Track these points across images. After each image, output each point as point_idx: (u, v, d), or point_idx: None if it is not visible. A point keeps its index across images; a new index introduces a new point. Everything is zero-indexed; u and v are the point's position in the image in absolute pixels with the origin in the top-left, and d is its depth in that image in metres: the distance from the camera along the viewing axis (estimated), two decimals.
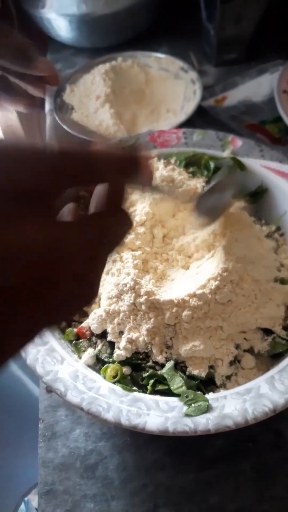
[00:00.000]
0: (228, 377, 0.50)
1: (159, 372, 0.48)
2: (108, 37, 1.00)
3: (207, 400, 0.44)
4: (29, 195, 0.24)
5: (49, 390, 0.58)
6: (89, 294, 0.29)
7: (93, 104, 0.81)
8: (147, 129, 0.79)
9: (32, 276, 0.23)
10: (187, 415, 0.43)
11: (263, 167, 0.60)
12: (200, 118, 0.88)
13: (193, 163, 0.61)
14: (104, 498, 0.51)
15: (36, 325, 0.25)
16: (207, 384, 0.49)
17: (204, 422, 0.42)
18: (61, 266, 0.25)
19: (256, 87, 0.93)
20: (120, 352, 0.50)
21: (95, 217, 0.30)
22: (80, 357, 0.50)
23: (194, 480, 0.51)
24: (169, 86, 0.87)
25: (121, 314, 0.50)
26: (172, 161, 0.61)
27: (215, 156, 0.62)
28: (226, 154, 0.62)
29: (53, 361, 0.47)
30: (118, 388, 0.46)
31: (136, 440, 0.54)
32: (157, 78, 0.88)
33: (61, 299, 0.26)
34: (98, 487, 0.51)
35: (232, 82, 0.94)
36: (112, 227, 0.29)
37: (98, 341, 0.51)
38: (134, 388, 0.48)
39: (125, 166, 0.29)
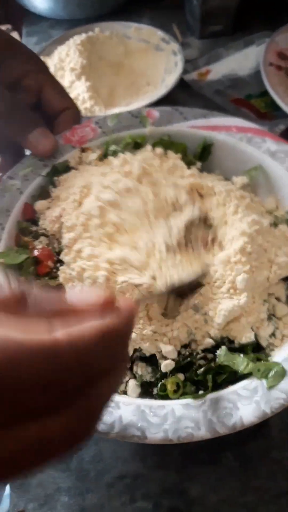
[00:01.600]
0: (272, 335, 0.47)
1: (213, 364, 0.44)
2: (86, 8, 0.95)
3: (278, 363, 0.42)
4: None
5: None
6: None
7: (68, 76, 0.76)
8: (125, 102, 0.75)
9: None
10: (271, 386, 0.40)
11: (191, 127, 0.59)
12: (183, 93, 0.84)
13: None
14: (79, 491, 0.48)
15: None
16: (255, 351, 0.46)
17: None
18: None
19: (241, 60, 0.89)
20: (167, 362, 0.44)
21: None
22: (125, 393, 0.45)
23: (175, 471, 0.49)
24: (149, 58, 0.82)
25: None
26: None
27: (135, 134, 0.59)
28: (148, 129, 0.59)
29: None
30: (189, 400, 0.41)
31: None
32: (137, 50, 0.84)
33: None
34: (72, 479, 0.48)
35: (216, 54, 0.90)
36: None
37: (134, 366, 0.46)
38: (201, 391, 0.43)
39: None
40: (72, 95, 0.75)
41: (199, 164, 0.58)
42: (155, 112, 0.60)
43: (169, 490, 0.48)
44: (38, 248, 0.49)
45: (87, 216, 0.49)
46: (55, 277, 0.48)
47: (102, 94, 0.76)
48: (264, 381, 0.41)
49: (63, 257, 0.48)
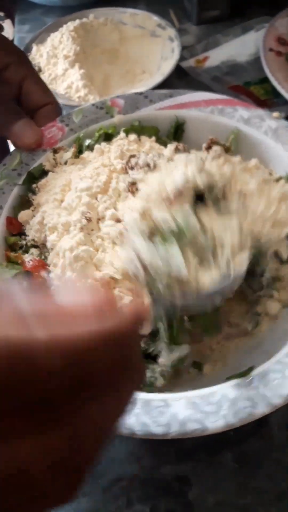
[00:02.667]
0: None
1: None
2: None
3: None
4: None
5: None
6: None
7: (61, 64, 0.74)
8: (121, 91, 0.73)
9: None
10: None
11: (159, 109, 0.58)
12: (180, 80, 0.81)
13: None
14: None
15: None
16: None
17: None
18: None
19: (240, 46, 0.86)
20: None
21: None
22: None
23: (172, 472, 0.47)
24: (145, 45, 0.80)
25: None
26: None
27: (105, 125, 0.57)
28: (116, 119, 0.57)
29: None
30: (237, 380, 0.40)
31: None
32: (132, 36, 0.81)
33: None
34: None
35: (214, 40, 0.87)
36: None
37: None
38: None
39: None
40: (65, 83, 0.73)
41: (174, 143, 0.55)
42: (120, 100, 0.58)
43: (166, 492, 0.46)
44: (28, 260, 0.47)
45: (68, 211, 0.47)
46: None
47: (97, 82, 0.74)
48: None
49: (51, 262, 0.46)
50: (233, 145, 0.55)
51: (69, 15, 0.85)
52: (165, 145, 0.55)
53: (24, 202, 0.52)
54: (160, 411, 0.38)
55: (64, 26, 0.80)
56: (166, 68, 0.74)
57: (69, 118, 0.57)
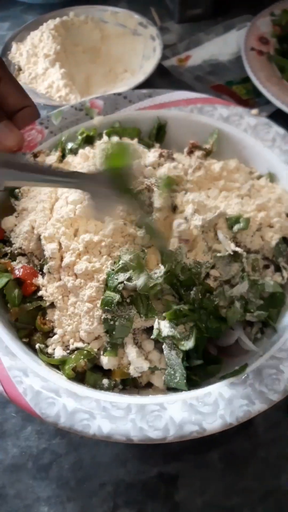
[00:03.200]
0: None
1: None
2: None
3: None
4: None
5: None
6: None
7: (41, 63, 0.73)
8: (102, 90, 0.72)
9: None
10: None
11: (139, 109, 0.58)
12: (162, 80, 0.81)
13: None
14: (59, 500, 0.46)
15: None
16: None
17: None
18: None
19: (222, 45, 0.86)
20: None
21: None
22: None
23: (158, 475, 0.47)
24: (127, 43, 0.79)
25: None
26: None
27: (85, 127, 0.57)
28: (96, 120, 0.57)
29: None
30: (232, 379, 0.40)
31: None
32: (113, 35, 0.80)
33: None
34: (52, 488, 0.46)
35: (196, 39, 0.87)
36: None
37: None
38: None
39: None
40: (46, 82, 0.72)
41: (157, 145, 0.56)
42: (99, 101, 0.58)
43: (152, 495, 0.46)
44: (18, 268, 0.46)
45: (65, 224, 0.46)
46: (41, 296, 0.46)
47: (78, 82, 0.73)
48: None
49: (48, 269, 0.46)
50: (215, 146, 0.55)
51: (49, 13, 0.84)
52: (147, 146, 0.55)
53: (6, 208, 0.51)
54: (156, 415, 0.37)
55: (45, 24, 0.79)
56: (148, 67, 0.73)
57: (48, 120, 0.56)
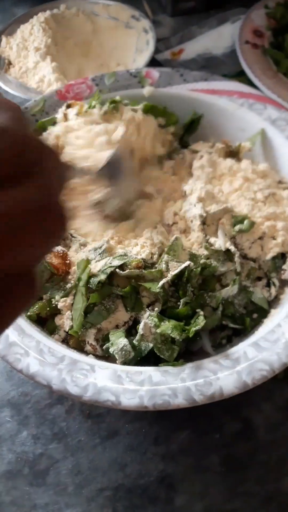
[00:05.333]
0: None
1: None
2: None
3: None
4: None
5: None
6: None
7: (32, 57, 0.71)
8: None
9: None
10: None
11: (191, 90, 0.58)
12: None
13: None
14: (57, 506, 0.45)
15: None
16: None
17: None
18: None
19: (216, 38, 0.84)
20: None
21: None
22: None
23: (158, 479, 0.46)
24: (119, 37, 0.77)
25: None
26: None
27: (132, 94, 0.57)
28: (146, 90, 0.57)
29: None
30: (168, 367, 0.40)
31: (91, 439, 0.48)
32: (106, 28, 0.79)
33: None
34: (50, 494, 0.45)
35: (190, 32, 0.86)
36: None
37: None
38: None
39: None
40: (37, 77, 0.70)
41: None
42: (155, 73, 0.58)
43: (152, 500, 0.45)
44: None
45: None
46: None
47: (70, 76, 0.71)
48: (247, 350, 0.39)
49: None
50: (255, 146, 0.55)
51: (39, 6, 0.81)
52: (180, 142, 0.56)
53: None
54: (83, 373, 0.38)
55: (35, 17, 0.77)
56: (141, 60, 0.72)
57: (101, 79, 0.57)
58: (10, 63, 0.73)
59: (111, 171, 0.40)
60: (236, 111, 0.56)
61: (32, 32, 0.73)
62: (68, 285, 0.44)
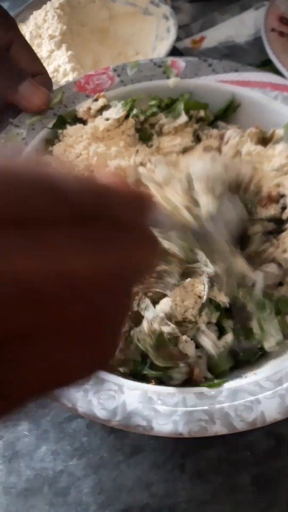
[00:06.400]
0: None
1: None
2: None
3: None
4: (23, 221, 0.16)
5: None
6: (104, 354, 0.19)
7: (46, 45, 0.67)
8: None
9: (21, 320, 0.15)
10: None
11: (221, 82, 0.53)
12: None
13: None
14: None
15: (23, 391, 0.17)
16: None
17: None
18: (62, 309, 0.16)
19: (238, 26, 0.80)
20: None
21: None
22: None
23: (186, 499, 0.43)
24: (138, 24, 0.73)
25: None
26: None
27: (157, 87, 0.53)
28: (172, 81, 0.53)
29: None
30: (204, 388, 0.36)
31: (114, 456, 0.45)
32: (123, 14, 0.74)
33: (57, 360, 0.17)
34: None
35: (211, 19, 0.81)
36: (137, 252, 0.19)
37: None
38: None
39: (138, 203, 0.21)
40: (51, 66, 0.66)
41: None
42: (181, 62, 0.54)
43: None
44: None
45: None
46: None
47: (86, 65, 0.68)
48: None
49: None
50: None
51: None
52: (209, 123, 0.53)
53: (48, 147, 0.50)
54: (110, 395, 0.35)
55: (48, 3, 0.73)
56: (162, 49, 0.68)
57: (123, 69, 0.54)
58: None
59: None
60: (270, 104, 0.52)
61: (46, 19, 0.69)
62: None
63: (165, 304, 0.39)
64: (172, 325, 0.38)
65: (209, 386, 0.36)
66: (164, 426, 0.33)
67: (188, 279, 0.39)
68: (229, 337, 0.40)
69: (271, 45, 0.70)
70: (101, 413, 0.34)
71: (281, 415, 0.33)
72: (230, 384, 0.36)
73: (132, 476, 0.44)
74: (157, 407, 0.34)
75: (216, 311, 0.40)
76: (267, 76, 0.53)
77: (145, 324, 0.38)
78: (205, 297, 0.39)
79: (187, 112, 0.51)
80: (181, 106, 0.51)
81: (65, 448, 0.46)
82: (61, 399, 0.34)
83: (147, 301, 0.38)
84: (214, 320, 0.40)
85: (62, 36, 0.67)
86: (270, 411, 0.34)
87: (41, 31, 0.69)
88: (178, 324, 0.39)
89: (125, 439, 0.46)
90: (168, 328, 0.38)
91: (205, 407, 0.34)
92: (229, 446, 0.45)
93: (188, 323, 0.39)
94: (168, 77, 0.53)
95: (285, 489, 0.43)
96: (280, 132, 0.51)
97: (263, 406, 0.34)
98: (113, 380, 0.36)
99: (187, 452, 0.45)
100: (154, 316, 0.38)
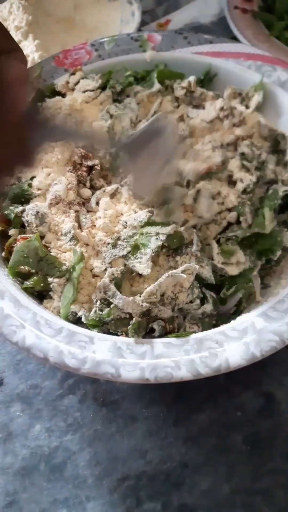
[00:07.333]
0: None
1: None
2: None
3: None
4: None
5: None
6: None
7: (13, 36, 0.67)
8: None
9: None
10: None
11: (196, 53, 0.55)
12: None
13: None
14: (78, 500, 0.43)
15: None
16: None
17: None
18: None
19: (202, 6, 0.81)
20: None
21: None
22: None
23: (181, 463, 0.44)
24: (103, 11, 0.74)
25: None
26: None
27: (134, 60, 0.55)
28: (148, 54, 0.55)
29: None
30: (172, 339, 0.38)
31: (107, 428, 0.46)
32: (87, 3, 0.75)
33: None
34: (69, 489, 0.43)
35: (175, 3, 0.82)
36: None
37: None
38: None
39: None
40: None
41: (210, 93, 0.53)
42: (157, 36, 0.56)
43: (177, 486, 0.43)
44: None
45: None
46: None
47: (54, 53, 0.68)
48: (255, 321, 0.37)
49: None
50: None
51: None
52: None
53: None
54: (81, 345, 0.36)
55: None
56: (128, 32, 0.68)
57: (101, 44, 0.55)
58: None
59: (145, 143, 0.38)
60: (244, 73, 0.53)
61: (12, 11, 0.70)
62: (63, 267, 0.42)
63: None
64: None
65: (177, 337, 0.37)
66: (131, 373, 0.34)
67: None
68: (209, 307, 0.42)
69: (235, 23, 0.71)
70: (71, 362, 0.35)
71: (245, 361, 0.35)
72: (197, 335, 0.37)
73: (127, 446, 0.45)
74: (125, 355, 0.35)
75: (199, 287, 0.42)
76: (240, 47, 0.55)
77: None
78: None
79: (162, 82, 0.52)
80: (154, 75, 0.52)
81: (59, 424, 0.46)
82: (33, 350, 0.35)
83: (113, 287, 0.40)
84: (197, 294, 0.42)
85: (28, 26, 0.67)
86: (235, 357, 0.35)
87: (7, 24, 0.70)
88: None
89: (117, 411, 0.46)
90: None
91: (171, 355, 0.35)
92: (219, 409, 0.46)
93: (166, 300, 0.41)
94: (144, 51, 0.55)
95: (279, 445, 0.44)
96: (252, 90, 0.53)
97: (227, 353, 0.35)
98: (84, 332, 0.37)
99: (178, 419, 0.46)
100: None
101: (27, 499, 0.43)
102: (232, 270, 0.43)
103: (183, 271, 0.40)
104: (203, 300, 0.42)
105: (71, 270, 0.41)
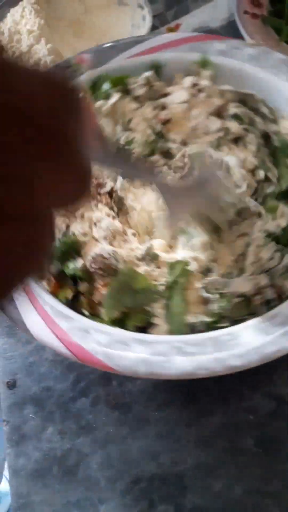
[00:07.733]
0: None
1: None
2: None
3: None
4: None
5: (11, 385, 0.49)
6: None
7: (25, 40, 0.68)
8: None
9: None
10: None
11: (130, 57, 0.55)
12: None
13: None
14: (90, 502, 0.43)
15: None
16: None
17: None
18: None
19: (212, 11, 0.82)
20: None
21: None
22: None
23: (193, 466, 0.44)
24: (113, 15, 0.75)
25: None
26: None
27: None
28: (88, 75, 0.53)
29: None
30: None
31: (119, 430, 0.46)
32: (97, 7, 0.76)
33: None
34: (81, 491, 0.43)
35: (185, 7, 0.83)
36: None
37: None
38: None
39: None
40: (32, 60, 0.67)
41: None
42: (85, 55, 0.55)
43: (189, 488, 0.43)
44: None
45: None
46: None
47: (66, 58, 0.68)
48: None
49: None
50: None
51: None
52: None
53: None
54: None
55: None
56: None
57: None
58: (2, 49, 0.70)
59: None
60: (185, 57, 0.54)
61: (24, 15, 0.70)
62: (161, 288, 0.41)
63: None
64: None
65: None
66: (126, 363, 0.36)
67: None
68: (214, 306, 0.42)
69: (245, 28, 0.72)
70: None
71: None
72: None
73: (139, 449, 0.45)
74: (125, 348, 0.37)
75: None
76: (169, 36, 0.57)
77: None
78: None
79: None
80: (104, 87, 0.52)
81: (71, 427, 0.46)
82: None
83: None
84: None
85: (40, 30, 0.68)
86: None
87: (19, 27, 0.70)
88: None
89: (128, 414, 0.46)
90: None
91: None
92: (230, 412, 0.46)
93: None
94: (82, 74, 0.54)
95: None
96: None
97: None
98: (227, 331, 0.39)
99: (190, 421, 0.46)
100: None
101: (39, 501, 0.43)
102: (283, 222, 0.44)
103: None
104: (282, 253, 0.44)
105: (173, 285, 0.41)
